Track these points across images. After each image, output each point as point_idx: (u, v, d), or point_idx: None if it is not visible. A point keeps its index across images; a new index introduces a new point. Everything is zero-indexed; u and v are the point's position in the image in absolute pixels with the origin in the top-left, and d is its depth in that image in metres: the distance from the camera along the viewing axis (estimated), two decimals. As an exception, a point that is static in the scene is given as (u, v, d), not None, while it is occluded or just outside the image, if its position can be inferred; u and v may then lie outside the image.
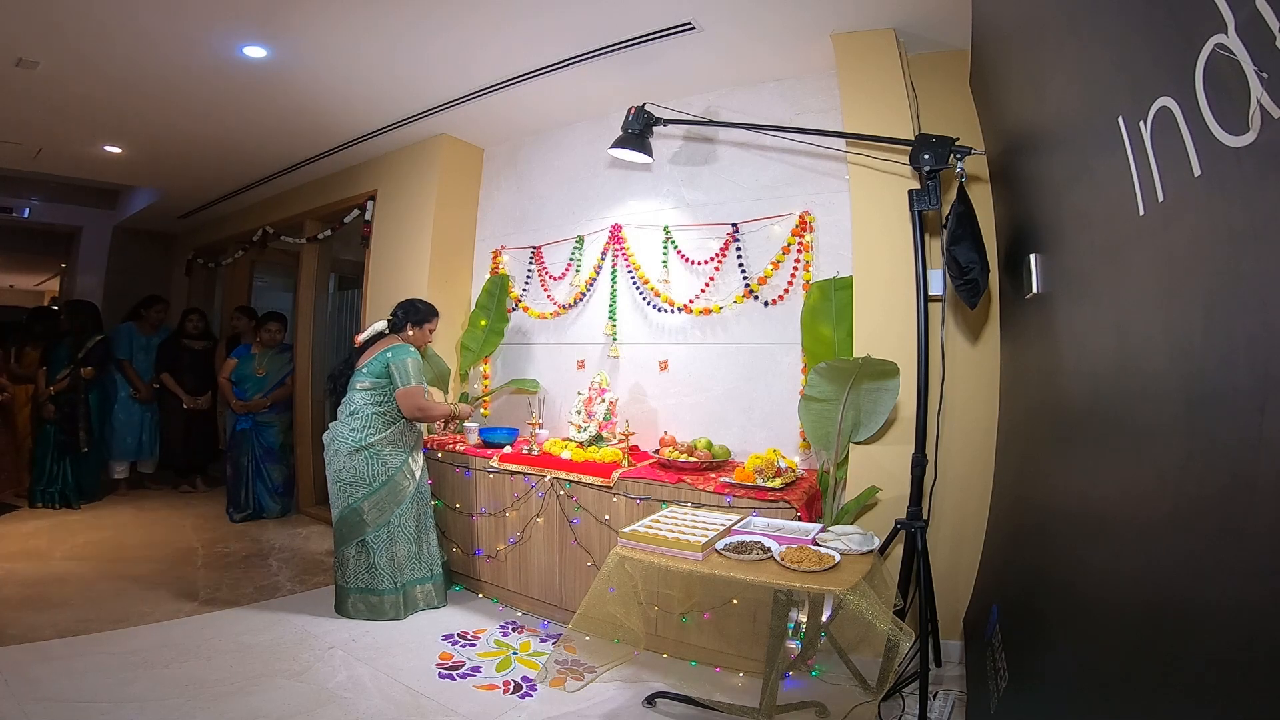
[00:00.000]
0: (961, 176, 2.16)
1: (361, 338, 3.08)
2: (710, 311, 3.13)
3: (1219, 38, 0.74)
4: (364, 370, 2.94)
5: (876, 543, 1.99)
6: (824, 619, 2.16)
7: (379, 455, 2.88)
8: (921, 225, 2.29)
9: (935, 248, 2.46)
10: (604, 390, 3.21)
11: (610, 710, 2.20)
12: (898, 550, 2.31)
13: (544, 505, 2.93)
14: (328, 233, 4.80)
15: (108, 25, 2.75)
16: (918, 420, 2.25)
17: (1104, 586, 1.16)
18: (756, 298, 3.02)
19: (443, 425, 3.59)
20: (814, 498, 2.57)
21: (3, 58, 3.02)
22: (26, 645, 2.44)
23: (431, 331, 3.17)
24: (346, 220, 4.54)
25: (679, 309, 3.22)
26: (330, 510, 2.97)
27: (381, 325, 3.08)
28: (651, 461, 2.89)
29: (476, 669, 2.46)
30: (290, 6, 2.62)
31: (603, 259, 3.51)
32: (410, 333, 3.08)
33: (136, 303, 5.40)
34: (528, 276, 3.84)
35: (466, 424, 3.54)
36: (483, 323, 3.81)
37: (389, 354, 2.92)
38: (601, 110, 3.55)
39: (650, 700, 2.22)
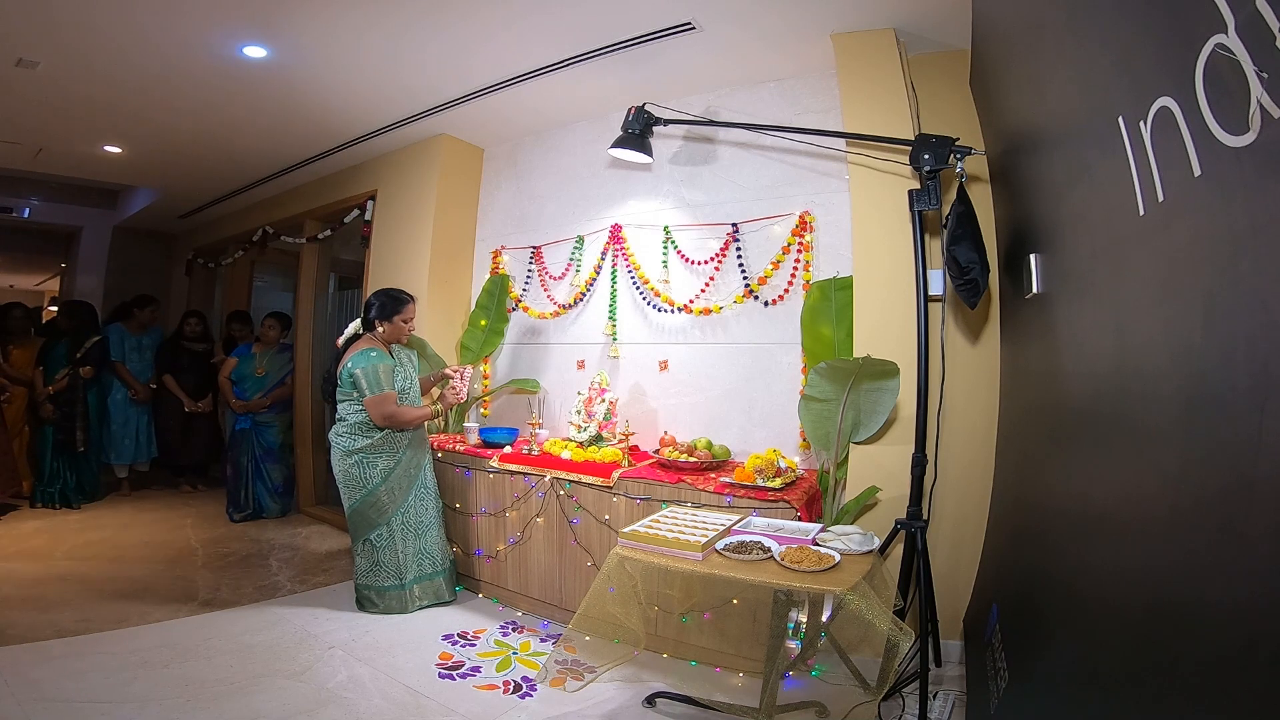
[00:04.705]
0: (961, 176, 2.16)
1: (340, 340, 3.01)
2: (710, 311, 3.13)
3: (1219, 38, 0.74)
4: (340, 377, 2.89)
5: (876, 543, 1.99)
6: (824, 619, 2.16)
7: (369, 459, 2.88)
8: (921, 225, 2.29)
9: (935, 248, 2.46)
10: (604, 390, 3.21)
11: (610, 710, 2.20)
12: (898, 550, 2.31)
13: (544, 505, 2.93)
14: (328, 233, 4.80)
15: (108, 25, 2.75)
16: (918, 420, 2.25)
17: (1104, 586, 1.16)
18: (756, 298, 3.02)
19: (442, 422, 3.59)
20: (814, 498, 2.57)
21: (3, 58, 3.02)
22: (26, 645, 2.44)
23: (406, 322, 2.98)
24: (346, 220, 4.54)
25: (679, 309, 3.22)
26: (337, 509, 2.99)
27: (356, 325, 3.00)
28: (651, 461, 2.89)
29: (476, 669, 2.46)
30: (290, 6, 2.62)
31: (603, 259, 3.51)
32: (381, 329, 2.95)
33: (125, 302, 5.36)
34: (528, 276, 3.84)
35: (466, 424, 3.54)
36: (483, 323, 3.81)
37: (349, 364, 2.83)
38: (601, 110, 3.55)
39: (650, 700, 2.22)
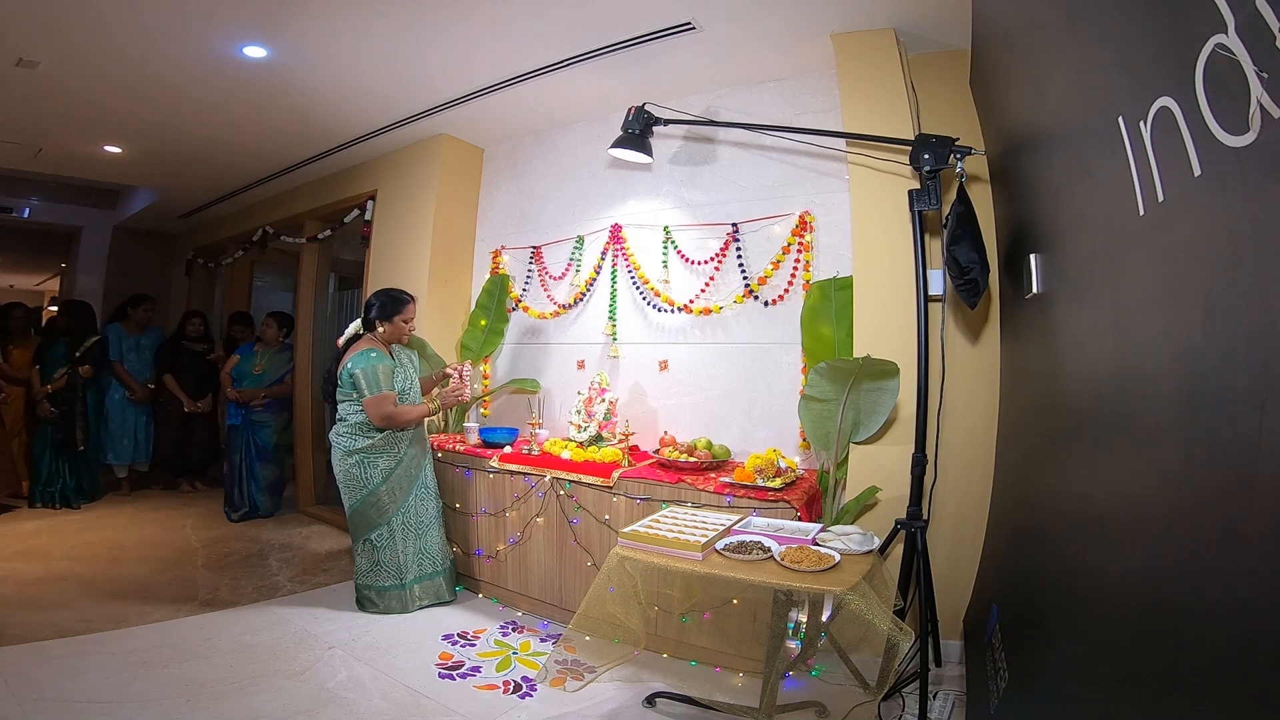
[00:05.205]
0: (961, 176, 2.16)
1: (341, 340, 3.01)
2: (710, 311, 3.13)
3: (1219, 38, 0.74)
4: (340, 378, 2.89)
5: (876, 543, 1.99)
6: (824, 619, 2.15)
7: (369, 459, 2.88)
8: (921, 225, 2.29)
9: (935, 248, 2.46)
10: (604, 390, 3.21)
11: (610, 710, 2.20)
12: (898, 550, 2.31)
13: (544, 505, 2.93)
14: (328, 233, 4.80)
15: (108, 25, 2.75)
16: (918, 420, 2.25)
17: (1104, 586, 1.16)
18: (756, 298, 3.02)
19: (442, 422, 3.59)
20: (814, 498, 2.57)
21: (3, 58, 3.02)
22: (26, 645, 2.44)
23: (407, 322, 2.99)
24: (346, 220, 4.54)
25: (679, 309, 3.22)
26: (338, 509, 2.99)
27: (356, 325, 3.00)
28: (651, 461, 2.89)
29: (476, 669, 2.46)
30: (290, 6, 2.62)
31: (603, 259, 3.51)
32: (382, 330, 2.95)
33: (122, 302, 5.36)
34: (528, 276, 3.84)
35: (466, 424, 3.54)
36: (483, 323, 3.81)
37: (349, 364, 2.83)
38: (601, 110, 3.55)
39: (650, 700, 2.22)
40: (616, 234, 3.47)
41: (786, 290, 2.95)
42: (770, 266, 2.98)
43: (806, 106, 3.00)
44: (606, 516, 2.73)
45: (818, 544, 1.93)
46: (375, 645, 2.62)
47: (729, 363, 3.10)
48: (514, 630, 2.83)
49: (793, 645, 2.17)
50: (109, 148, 4.44)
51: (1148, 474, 1.03)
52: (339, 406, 2.92)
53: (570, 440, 3.12)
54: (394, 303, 2.98)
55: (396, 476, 2.93)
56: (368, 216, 4.34)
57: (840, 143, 2.72)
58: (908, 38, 2.66)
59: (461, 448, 3.26)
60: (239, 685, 2.24)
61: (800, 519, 2.31)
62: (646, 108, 2.71)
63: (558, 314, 3.68)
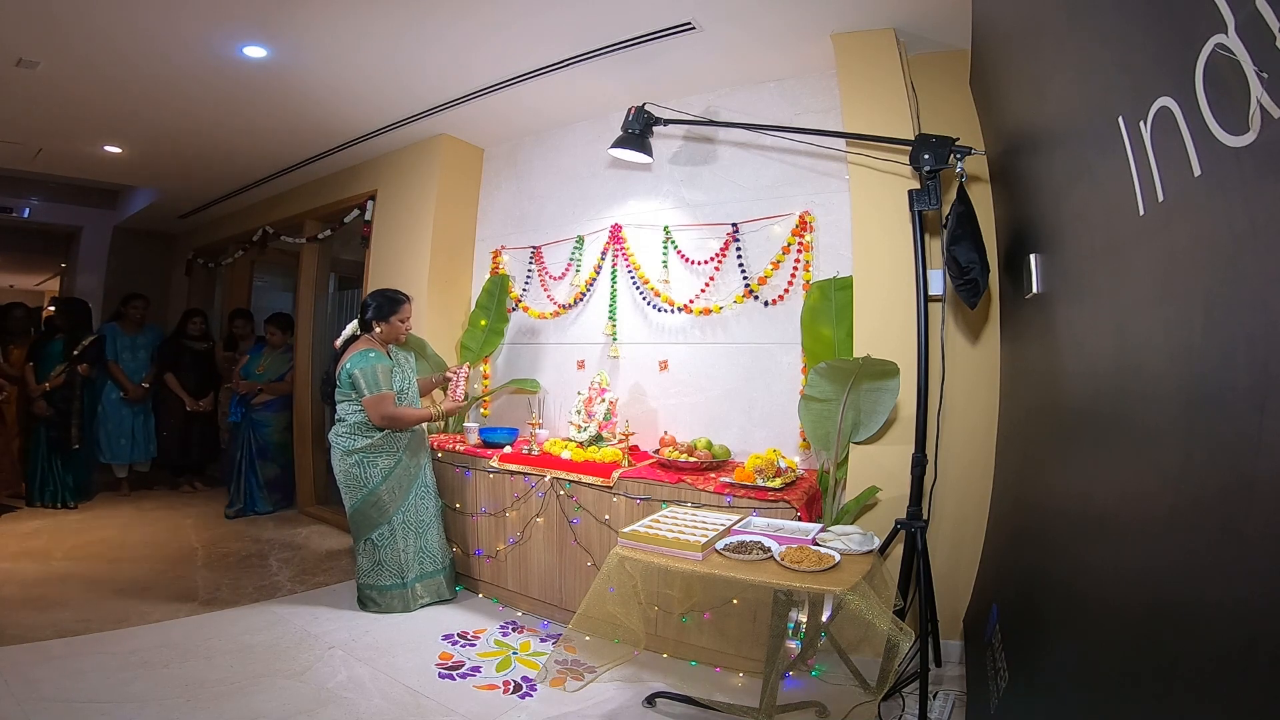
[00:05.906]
0: (961, 176, 2.16)
1: (338, 341, 3.01)
2: (710, 311, 3.13)
3: (1219, 38, 0.74)
4: (338, 378, 2.90)
5: (876, 543, 1.99)
6: (824, 619, 2.16)
7: (369, 459, 2.89)
8: (921, 225, 2.29)
9: (935, 248, 2.46)
10: (604, 390, 3.21)
11: (610, 710, 2.20)
12: (898, 550, 2.31)
13: (544, 505, 2.93)
14: (328, 233, 4.81)
15: (108, 25, 2.75)
16: (918, 420, 2.25)
17: (1104, 586, 1.16)
18: (756, 298, 3.02)
19: (442, 423, 3.59)
20: (814, 498, 2.57)
21: (3, 58, 3.02)
22: (26, 645, 2.44)
23: (403, 322, 2.99)
24: (346, 220, 4.54)
25: (679, 309, 3.22)
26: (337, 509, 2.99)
27: (354, 326, 3.00)
28: (651, 461, 2.89)
29: (476, 669, 2.47)
30: (290, 6, 2.62)
31: (603, 259, 3.51)
32: (379, 330, 2.96)
33: (118, 302, 5.36)
34: (528, 276, 3.84)
35: (466, 424, 3.54)
36: (483, 323, 3.81)
37: (348, 364, 2.84)
38: (601, 110, 3.55)
39: (650, 700, 2.22)
40: (616, 234, 3.47)
41: (786, 290, 2.95)
42: (770, 266, 2.98)
43: (806, 106, 3.00)
44: (606, 516, 2.73)
45: (818, 544, 1.93)
46: (375, 645, 2.62)
47: (729, 363, 3.10)
48: (514, 630, 2.83)
49: (793, 645, 2.17)
50: (109, 148, 4.44)
51: (1148, 474, 1.03)
52: (338, 407, 2.93)
53: (570, 440, 3.12)
54: (390, 303, 2.98)
55: (396, 476, 2.93)
56: (368, 216, 4.34)
57: (840, 143, 2.72)
58: (908, 38, 2.66)
59: (461, 448, 3.26)
60: (239, 685, 2.24)
61: (800, 519, 2.31)
62: (646, 108, 2.71)
63: (558, 314, 3.68)
